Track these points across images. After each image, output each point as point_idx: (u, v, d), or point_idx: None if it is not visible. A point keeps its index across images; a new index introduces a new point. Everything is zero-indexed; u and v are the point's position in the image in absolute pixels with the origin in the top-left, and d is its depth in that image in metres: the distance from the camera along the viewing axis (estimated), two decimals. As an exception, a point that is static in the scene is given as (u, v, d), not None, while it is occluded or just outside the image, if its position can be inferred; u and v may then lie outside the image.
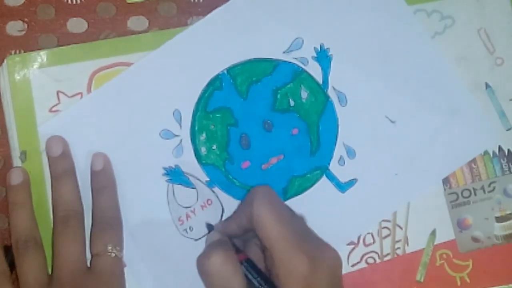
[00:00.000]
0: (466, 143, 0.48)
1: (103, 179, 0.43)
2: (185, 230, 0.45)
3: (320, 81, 0.47)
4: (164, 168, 0.45)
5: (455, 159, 0.48)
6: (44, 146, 0.44)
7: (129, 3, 0.46)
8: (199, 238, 0.45)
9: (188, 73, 0.45)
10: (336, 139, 0.47)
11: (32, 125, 0.44)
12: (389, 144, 0.47)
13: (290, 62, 0.47)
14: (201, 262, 0.40)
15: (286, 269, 0.37)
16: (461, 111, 0.48)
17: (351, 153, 0.47)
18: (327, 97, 0.47)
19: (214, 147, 0.46)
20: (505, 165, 0.49)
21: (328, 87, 0.47)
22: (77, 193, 0.42)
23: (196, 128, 0.45)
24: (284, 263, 0.37)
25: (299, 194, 0.46)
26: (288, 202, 0.46)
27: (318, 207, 0.46)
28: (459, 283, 0.47)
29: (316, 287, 0.37)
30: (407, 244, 0.47)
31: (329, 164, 0.47)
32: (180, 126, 0.45)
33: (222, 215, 0.45)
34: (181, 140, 0.45)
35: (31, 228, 0.41)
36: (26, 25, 0.45)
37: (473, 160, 0.48)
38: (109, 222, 0.42)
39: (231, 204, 0.45)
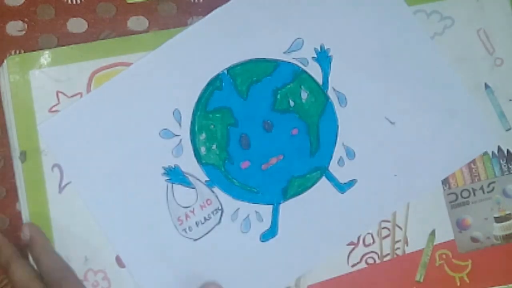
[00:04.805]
0: (465, 144, 0.48)
1: (35, 248, 0.42)
2: (184, 230, 0.45)
3: (320, 82, 0.47)
4: (164, 168, 0.45)
5: (455, 160, 0.48)
6: (44, 146, 0.44)
7: (129, 3, 0.46)
8: (198, 238, 0.45)
9: (188, 72, 0.45)
10: (336, 140, 0.47)
11: (32, 125, 0.44)
12: (388, 145, 0.47)
13: (290, 63, 0.47)
14: None
15: None
16: (461, 112, 0.48)
17: (350, 154, 0.47)
18: (327, 98, 0.47)
19: (214, 147, 0.46)
20: (504, 166, 0.49)
21: (328, 88, 0.47)
22: (29, 275, 0.41)
23: (196, 128, 0.45)
24: None
25: (298, 195, 0.46)
26: (288, 202, 0.46)
27: (317, 208, 0.46)
28: (458, 283, 0.48)
29: None
30: (407, 245, 0.47)
31: (328, 164, 0.47)
32: (180, 126, 0.45)
33: (221, 216, 0.45)
34: (180, 140, 0.45)
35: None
36: (26, 25, 0.45)
37: (473, 161, 0.48)
38: (57, 283, 0.41)
39: (230, 204, 0.45)
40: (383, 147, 0.47)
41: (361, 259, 0.47)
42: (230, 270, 0.45)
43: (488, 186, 0.49)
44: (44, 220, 0.43)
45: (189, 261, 0.44)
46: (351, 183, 0.47)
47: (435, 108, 0.48)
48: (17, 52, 0.45)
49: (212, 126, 0.46)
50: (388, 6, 0.48)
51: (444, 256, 0.48)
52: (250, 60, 0.46)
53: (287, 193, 0.46)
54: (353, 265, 0.47)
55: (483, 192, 0.48)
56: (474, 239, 0.48)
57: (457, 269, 0.48)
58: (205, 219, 0.45)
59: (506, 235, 0.48)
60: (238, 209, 0.45)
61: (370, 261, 0.47)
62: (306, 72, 0.47)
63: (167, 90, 0.45)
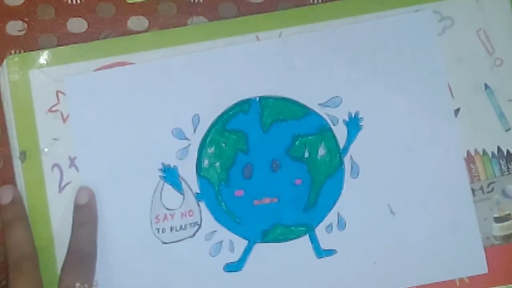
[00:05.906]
0: (454, 262, 0.47)
1: (86, 214, 0.43)
2: (157, 229, 0.45)
3: (342, 146, 0.46)
4: (163, 164, 0.45)
5: (439, 272, 0.47)
6: (43, 146, 0.44)
7: (129, 3, 0.46)
8: (167, 243, 0.45)
9: (224, 85, 0.46)
10: (333, 206, 0.46)
11: (31, 125, 0.44)
12: (380, 232, 0.46)
13: (321, 116, 0.46)
14: None
15: None
16: (462, 227, 0.47)
17: (341, 224, 0.46)
18: (341, 163, 0.46)
19: (217, 164, 0.45)
20: (504, 166, 0.49)
21: (346, 154, 0.46)
22: (29, 237, 0.42)
23: (207, 140, 0.45)
24: None
25: (277, 242, 0.46)
26: (263, 245, 0.45)
27: (289, 262, 0.45)
28: (458, 284, 0.47)
29: None
30: (407, 245, 0.47)
31: (317, 225, 0.46)
32: (194, 132, 0.45)
33: (197, 231, 0.45)
34: (189, 145, 0.45)
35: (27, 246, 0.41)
36: (26, 25, 0.45)
37: (472, 161, 0.48)
38: (82, 257, 0.42)
39: (210, 223, 0.45)
40: (374, 232, 0.46)
41: (360, 260, 0.47)
42: (184, 286, 0.45)
43: (488, 186, 0.48)
44: (43, 220, 0.43)
45: (150, 260, 0.44)
46: (331, 252, 0.46)
47: (438, 218, 0.47)
48: (17, 52, 0.45)
49: (224, 145, 0.46)
50: (433, 102, 0.47)
51: (443, 256, 0.48)
52: (285, 98, 0.46)
53: (266, 236, 0.46)
54: (353, 265, 0.47)
55: (483, 192, 0.48)
56: (473, 240, 0.48)
57: (456, 269, 0.48)
58: (180, 227, 0.45)
59: (506, 235, 0.48)
60: (215, 231, 0.45)
61: (370, 261, 0.47)
62: (331, 131, 0.46)
63: (196, 93, 0.45)
